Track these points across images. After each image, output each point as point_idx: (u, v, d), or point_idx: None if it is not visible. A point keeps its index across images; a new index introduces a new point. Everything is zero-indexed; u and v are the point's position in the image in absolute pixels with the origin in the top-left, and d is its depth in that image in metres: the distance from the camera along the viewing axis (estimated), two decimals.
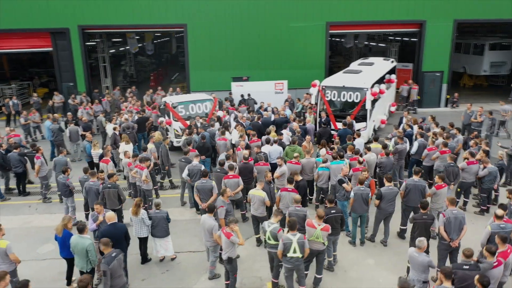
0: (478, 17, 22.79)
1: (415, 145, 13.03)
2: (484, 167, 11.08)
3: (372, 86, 16.26)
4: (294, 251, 7.41)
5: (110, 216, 8.03)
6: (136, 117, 16.42)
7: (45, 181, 12.51)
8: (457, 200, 10.82)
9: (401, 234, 10.25)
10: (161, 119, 16.44)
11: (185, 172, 11.17)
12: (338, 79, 17.48)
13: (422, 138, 13.23)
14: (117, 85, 26.56)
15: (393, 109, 20.38)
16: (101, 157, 12.42)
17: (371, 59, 22.15)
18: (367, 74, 17.85)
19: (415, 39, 29.40)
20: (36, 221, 11.52)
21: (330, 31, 22.65)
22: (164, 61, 40.18)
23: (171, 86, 23.62)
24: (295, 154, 11.70)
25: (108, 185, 9.92)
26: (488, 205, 11.44)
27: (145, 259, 9.35)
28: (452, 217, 8.06)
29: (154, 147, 13.05)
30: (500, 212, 7.96)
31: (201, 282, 8.67)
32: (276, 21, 22.14)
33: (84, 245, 7.53)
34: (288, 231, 7.60)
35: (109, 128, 15.68)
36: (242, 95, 20.92)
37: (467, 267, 6.72)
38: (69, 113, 18.23)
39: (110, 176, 10.37)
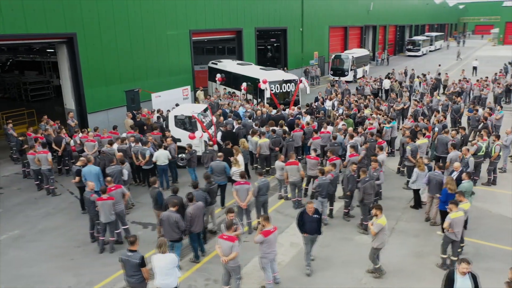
0: (262, 26, 31.33)
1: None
2: None
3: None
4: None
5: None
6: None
7: None
8: None
9: None
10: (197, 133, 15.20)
11: None
12: (273, 75, 21.52)
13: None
14: None
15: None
16: None
17: (237, 62, 26.18)
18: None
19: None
20: None
21: (193, 38, 24.68)
22: None
23: None
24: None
25: None
26: None
27: None
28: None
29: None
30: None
31: None
32: (156, 29, 21.99)
33: None
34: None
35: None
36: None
37: None
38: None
39: None
